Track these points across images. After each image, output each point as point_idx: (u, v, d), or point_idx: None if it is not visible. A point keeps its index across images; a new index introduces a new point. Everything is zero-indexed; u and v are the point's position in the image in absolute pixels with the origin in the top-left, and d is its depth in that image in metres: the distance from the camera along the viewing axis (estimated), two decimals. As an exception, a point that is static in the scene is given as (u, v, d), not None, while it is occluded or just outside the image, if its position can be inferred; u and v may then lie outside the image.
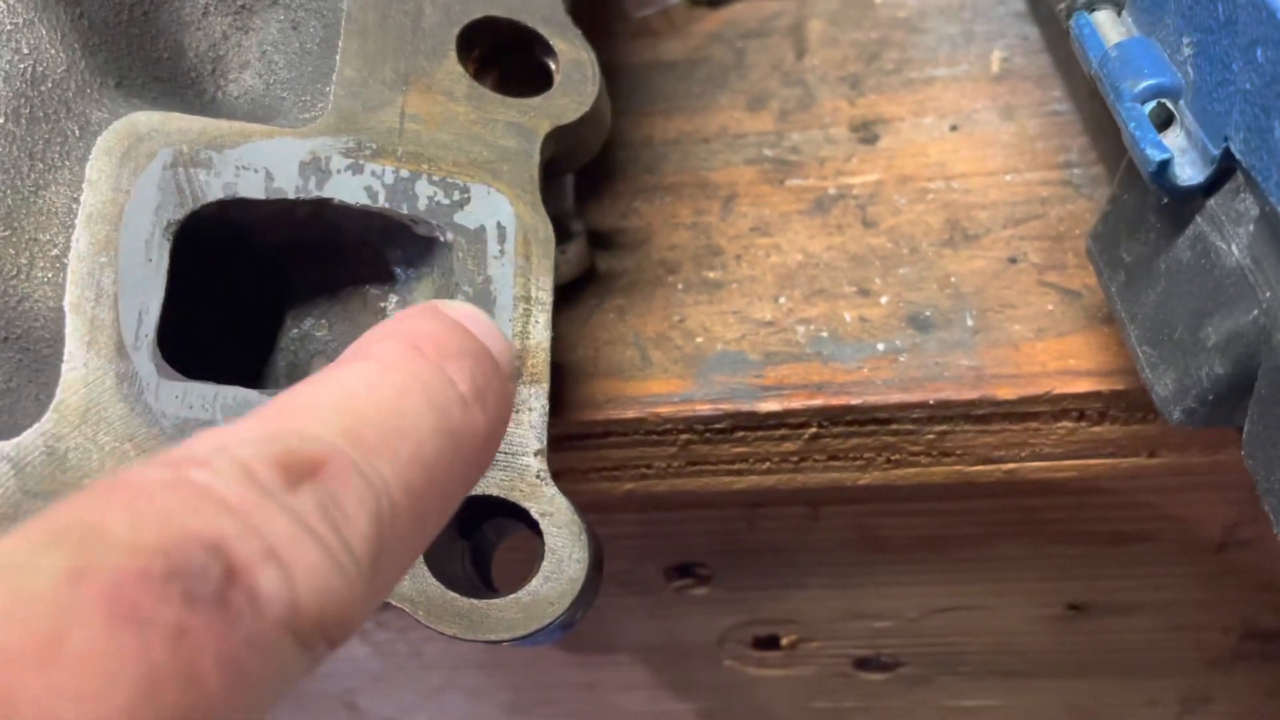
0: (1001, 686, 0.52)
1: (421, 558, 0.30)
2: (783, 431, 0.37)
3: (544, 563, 0.31)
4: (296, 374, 0.34)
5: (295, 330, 0.34)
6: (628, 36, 0.51)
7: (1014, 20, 0.47)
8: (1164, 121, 0.30)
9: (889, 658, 0.51)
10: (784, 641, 0.51)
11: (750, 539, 0.45)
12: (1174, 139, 0.30)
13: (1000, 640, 0.49)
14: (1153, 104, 0.30)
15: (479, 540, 0.33)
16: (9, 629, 0.16)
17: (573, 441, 0.39)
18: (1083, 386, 0.35)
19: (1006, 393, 0.36)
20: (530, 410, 0.32)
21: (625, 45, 0.51)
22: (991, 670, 0.51)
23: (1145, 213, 0.32)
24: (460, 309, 0.26)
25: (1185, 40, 0.30)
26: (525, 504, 0.31)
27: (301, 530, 0.18)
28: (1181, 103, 0.30)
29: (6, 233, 0.29)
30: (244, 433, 0.19)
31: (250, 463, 0.19)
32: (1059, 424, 0.36)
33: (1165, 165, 0.29)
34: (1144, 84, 0.30)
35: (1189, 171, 0.29)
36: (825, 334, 0.39)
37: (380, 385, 0.22)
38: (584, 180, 0.45)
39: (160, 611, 0.16)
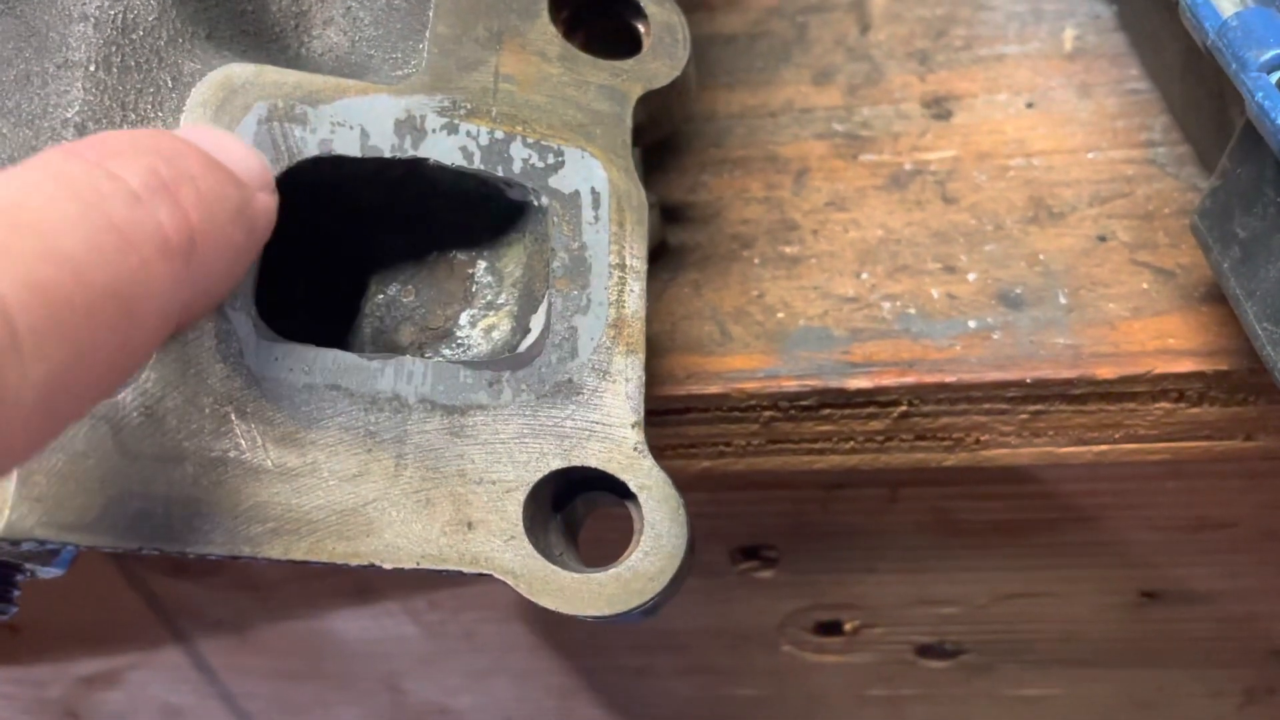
0: (1064, 675, 0.51)
1: (523, 529, 0.29)
2: (871, 409, 0.36)
3: (643, 537, 0.30)
4: (382, 340, 0.33)
5: (381, 295, 0.33)
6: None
7: (1083, -1, 0.46)
8: (1286, 93, 0.29)
9: (953, 645, 0.50)
10: (846, 627, 0.50)
11: (822, 521, 0.44)
12: (1300, 109, 0.29)
13: (1068, 628, 0.48)
14: (1278, 74, 0.29)
15: (569, 513, 0.32)
16: None
17: (649, 417, 0.37)
18: (1184, 366, 0.35)
19: (1106, 372, 0.35)
20: (627, 381, 0.31)
21: (681, 18, 0.50)
22: (1055, 659, 0.50)
23: (1263, 186, 0.31)
24: (187, 129, 0.24)
25: (1314, 8, 0.29)
26: (623, 476, 0.30)
27: None
28: (1309, 72, 0.29)
29: (98, 185, 0.28)
30: None
31: None
32: (1157, 405, 0.35)
33: (1299, 135, 0.28)
34: (1271, 53, 0.29)
35: (1318, 143, 0.28)
36: (913, 310, 0.38)
37: (3, 187, 0.20)
38: (648, 154, 0.44)
39: None
